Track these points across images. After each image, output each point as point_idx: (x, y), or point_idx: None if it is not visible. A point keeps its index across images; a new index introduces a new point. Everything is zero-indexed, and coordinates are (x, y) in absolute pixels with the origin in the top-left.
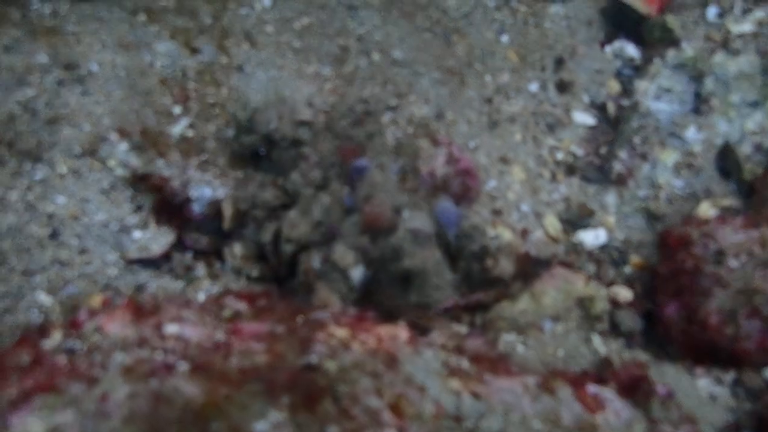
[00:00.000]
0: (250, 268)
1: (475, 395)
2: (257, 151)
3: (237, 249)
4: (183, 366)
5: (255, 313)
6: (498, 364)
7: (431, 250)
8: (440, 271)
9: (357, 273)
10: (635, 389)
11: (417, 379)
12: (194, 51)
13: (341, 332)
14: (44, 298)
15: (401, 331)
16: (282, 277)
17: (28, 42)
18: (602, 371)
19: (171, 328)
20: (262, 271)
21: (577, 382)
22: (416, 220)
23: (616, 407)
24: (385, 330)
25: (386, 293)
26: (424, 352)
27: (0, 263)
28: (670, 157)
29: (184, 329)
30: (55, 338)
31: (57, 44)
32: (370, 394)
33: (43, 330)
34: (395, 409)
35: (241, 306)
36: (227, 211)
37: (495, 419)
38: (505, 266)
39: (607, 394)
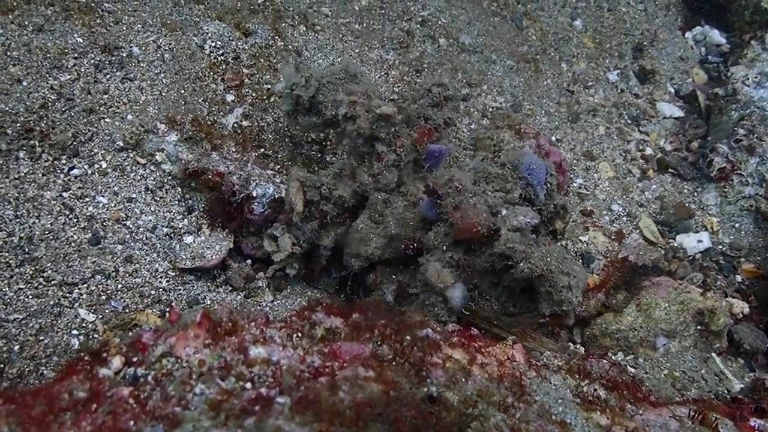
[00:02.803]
0: (291, 265)
1: None
2: (318, 134)
3: (287, 242)
4: (282, 400)
5: (351, 331)
6: (634, 391)
7: (545, 243)
8: (568, 266)
9: (457, 293)
10: None
11: (554, 412)
12: (246, 33)
13: (458, 354)
14: (86, 314)
15: (517, 352)
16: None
17: (62, 21)
18: (758, 400)
19: (257, 351)
20: (300, 270)
21: (733, 413)
22: (518, 215)
23: None
24: (500, 350)
25: (500, 309)
26: (549, 377)
27: (33, 274)
28: None
29: (272, 352)
30: (114, 364)
31: (93, 24)
32: None
33: (97, 354)
34: None
35: (335, 322)
36: (298, 203)
37: None
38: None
39: None
